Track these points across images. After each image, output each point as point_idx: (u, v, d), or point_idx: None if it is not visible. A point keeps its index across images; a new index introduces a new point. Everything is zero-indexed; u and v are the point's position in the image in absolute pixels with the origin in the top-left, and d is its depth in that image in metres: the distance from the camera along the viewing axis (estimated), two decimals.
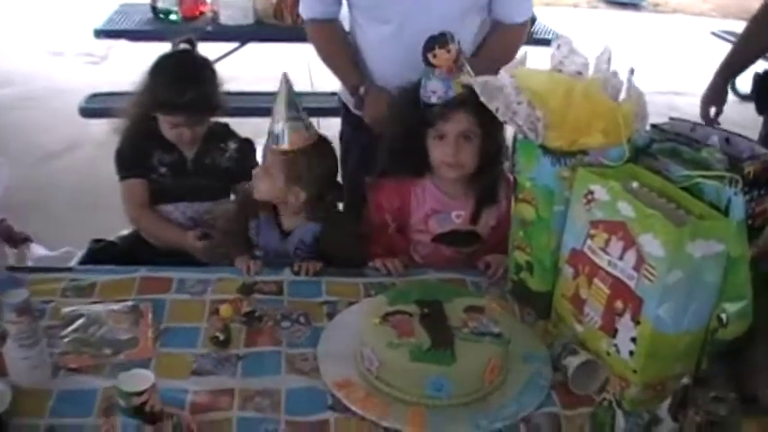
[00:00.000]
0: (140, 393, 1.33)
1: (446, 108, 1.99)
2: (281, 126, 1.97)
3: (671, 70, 7.16)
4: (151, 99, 2.28)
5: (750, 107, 3.23)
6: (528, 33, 2.54)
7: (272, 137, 1.99)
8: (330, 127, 2.62)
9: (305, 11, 2.51)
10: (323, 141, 2.07)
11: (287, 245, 2.14)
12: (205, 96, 2.29)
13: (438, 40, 1.96)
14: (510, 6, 2.37)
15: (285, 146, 1.97)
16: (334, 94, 2.75)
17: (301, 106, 1.99)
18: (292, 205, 2.08)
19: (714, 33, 6.96)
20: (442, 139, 2.02)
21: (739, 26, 8.05)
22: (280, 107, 1.96)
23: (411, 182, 2.14)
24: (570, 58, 1.76)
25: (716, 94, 3.08)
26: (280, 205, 2.13)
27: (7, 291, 1.51)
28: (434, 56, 1.96)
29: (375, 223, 2.17)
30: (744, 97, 6.44)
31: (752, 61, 3.09)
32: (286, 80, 1.98)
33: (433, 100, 1.99)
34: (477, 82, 1.82)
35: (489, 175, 2.06)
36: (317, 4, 2.46)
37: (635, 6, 10.50)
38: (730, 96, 6.24)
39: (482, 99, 1.80)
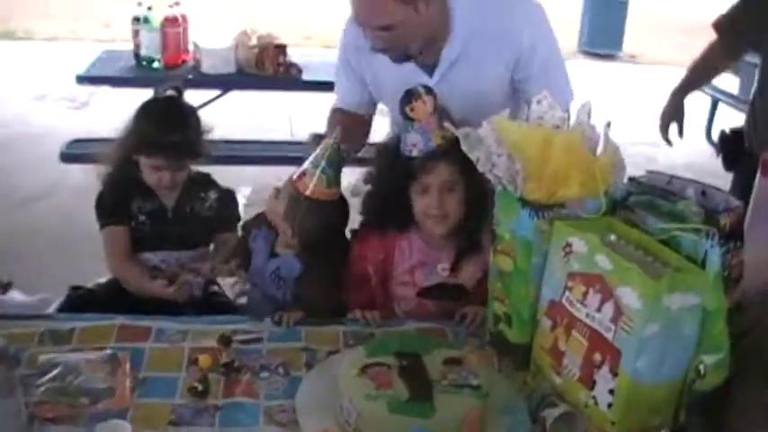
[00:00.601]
0: None
1: (427, 160, 1.99)
2: (312, 171, 2.01)
3: (648, 121, 7.18)
4: (135, 142, 2.30)
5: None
6: None
7: (302, 172, 2.03)
8: None
9: (336, 100, 2.62)
10: (335, 203, 2.08)
11: (268, 265, 2.17)
12: (189, 141, 2.31)
13: (414, 93, 1.98)
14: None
15: (301, 188, 2.02)
16: None
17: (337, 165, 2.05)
18: (285, 237, 2.12)
19: None
20: (425, 191, 2.02)
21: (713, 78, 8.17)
22: (320, 155, 2.01)
23: (396, 235, 2.14)
24: (550, 113, 1.79)
25: (675, 112, 3.35)
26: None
27: None
28: (412, 109, 1.98)
29: (357, 274, 2.17)
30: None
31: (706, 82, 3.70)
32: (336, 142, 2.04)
33: (414, 153, 2.00)
34: (460, 132, 1.85)
35: (474, 224, 2.03)
36: (348, 97, 2.57)
37: (612, 57, 10.67)
38: (706, 147, 6.34)
39: (463, 148, 1.82)
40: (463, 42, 2.32)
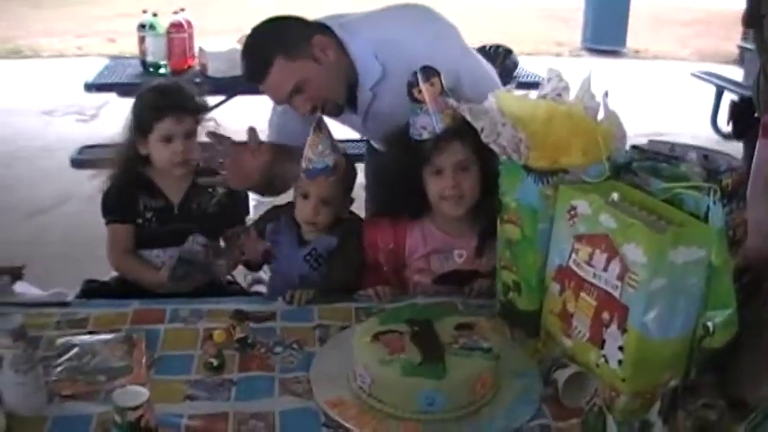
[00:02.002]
0: (136, 408, 1.34)
1: (439, 140, 1.99)
2: (332, 159, 2.07)
3: (653, 113, 7.27)
4: (137, 125, 2.36)
5: (732, 146, 3.30)
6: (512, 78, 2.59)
7: (318, 169, 2.08)
8: None
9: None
10: (348, 164, 2.19)
11: (299, 252, 2.21)
12: (189, 96, 2.41)
13: (422, 76, 1.98)
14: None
15: (332, 178, 2.09)
16: None
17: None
18: (320, 225, 2.18)
19: (693, 74, 7.08)
20: (439, 173, 2.02)
21: (717, 69, 8.28)
22: (327, 142, 2.07)
23: (408, 223, 2.15)
24: (555, 87, 1.81)
25: None
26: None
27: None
28: (419, 91, 1.98)
29: (369, 261, 2.19)
30: (726, 136, 6.56)
31: None
32: (322, 120, 2.09)
33: (425, 135, 2.00)
34: (464, 106, 1.87)
35: (491, 205, 1.96)
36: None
37: (616, 54, 10.68)
38: (712, 135, 6.33)
39: (468, 118, 1.84)
40: (372, 83, 2.30)
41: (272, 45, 2.20)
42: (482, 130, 1.81)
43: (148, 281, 2.31)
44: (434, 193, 2.04)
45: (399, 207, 2.14)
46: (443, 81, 2.00)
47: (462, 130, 1.95)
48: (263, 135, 2.35)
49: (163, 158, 2.36)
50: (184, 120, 2.35)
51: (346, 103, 2.35)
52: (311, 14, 2.40)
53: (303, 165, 2.11)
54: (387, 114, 2.25)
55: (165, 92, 2.41)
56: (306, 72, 2.20)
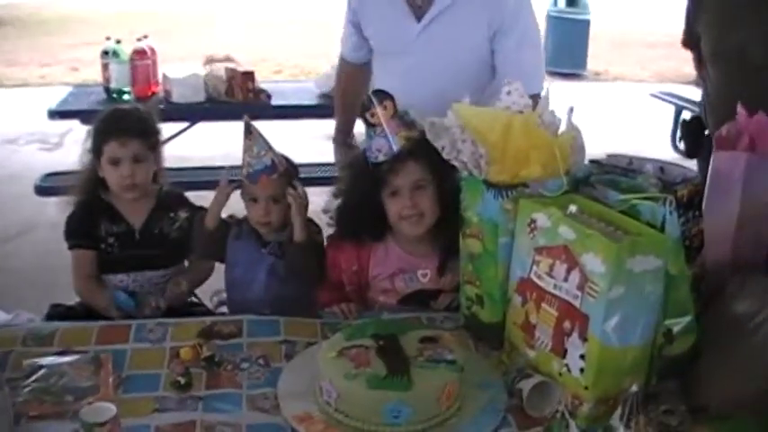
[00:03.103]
0: (103, 424, 1.35)
1: (395, 162, 2.02)
2: (269, 158, 2.14)
3: (614, 134, 7.37)
4: (91, 144, 2.38)
5: (693, 164, 3.36)
6: None
7: (259, 170, 2.14)
8: None
9: (341, 49, 2.93)
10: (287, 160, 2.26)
11: (263, 250, 2.26)
12: (140, 119, 2.44)
13: (373, 100, 2.02)
14: (517, 75, 2.22)
15: (275, 176, 2.15)
16: None
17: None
18: (275, 224, 2.22)
19: (653, 95, 7.21)
20: (396, 194, 2.05)
21: (676, 89, 8.39)
22: (260, 143, 2.13)
23: (371, 244, 2.17)
24: (516, 102, 1.85)
25: None
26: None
27: None
28: (372, 115, 2.02)
29: (331, 279, 2.21)
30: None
31: None
32: (249, 124, 2.13)
33: (380, 158, 2.04)
34: (425, 122, 1.90)
35: (452, 223, 2.00)
36: (348, 48, 2.87)
37: (578, 76, 10.83)
38: (674, 156, 6.44)
39: (428, 137, 1.87)
40: None
41: None
42: (443, 148, 1.85)
43: (106, 310, 2.30)
44: (393, 213, 2.07)
45: (361, 230, 2.15)
46: (396, 105, 2.04)
47: (417, 151, 2.00)
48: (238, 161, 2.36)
49: (112, 182, 2.38)
50: (129, 143, 2.36)
51: (417, 8, 2.55)
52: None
53: (243, 171, 2.16)
54: (447, 35, 2.52)
55: (114, 115, 2.45)
56: None
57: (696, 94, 8.74)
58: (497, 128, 1.77)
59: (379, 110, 2.01)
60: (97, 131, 2.39)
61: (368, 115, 2.02)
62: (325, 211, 2.25)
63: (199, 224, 2.27)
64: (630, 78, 11.02)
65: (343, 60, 2.94)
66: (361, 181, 2.10)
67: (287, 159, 2.25)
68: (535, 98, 2.53)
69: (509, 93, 1.88)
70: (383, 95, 2.03)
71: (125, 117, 2.43)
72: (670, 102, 6.95)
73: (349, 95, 2.94)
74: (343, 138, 3.00)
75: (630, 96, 9.38)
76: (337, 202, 2.17)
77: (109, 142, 2.34)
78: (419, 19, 2.54)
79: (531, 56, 2.62)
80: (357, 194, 2.13)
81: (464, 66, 2.57)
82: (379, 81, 2.67)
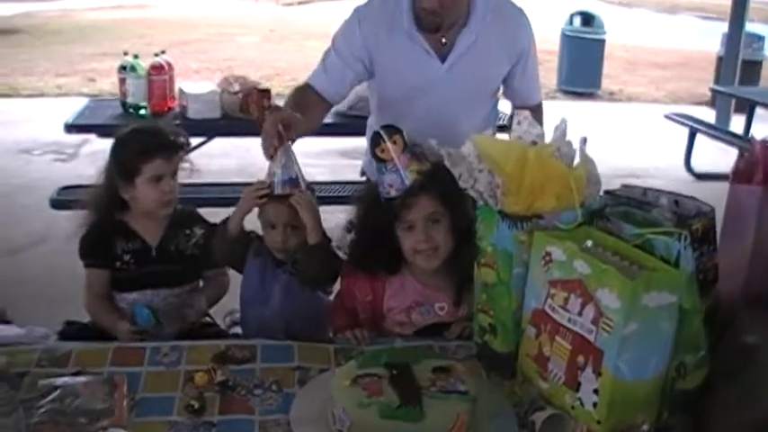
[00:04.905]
0: None
1: (407, 197, 2.02)
2: (295, 171, 2.13)
3: (628, 154, 7.39)
4: (123, 166, 2.37)
5: (706, 185, 3.36)
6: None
7: (285, 180, 2.13)
8: None
9: (310, 77, 2.67)
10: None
11: (279, 268, 2.27)
12: (174, 134, 2.45)
13: (383, 135, 2.03)
14: (525, 93, 2.78)
15: (297, 189, 2.14)
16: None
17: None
18: (292, 250, 2.22)
19: (667, 116, 7.23)
20: (411, 228, 2.05)
21: (690, 110, 8.42)
22: (289, 154, 2.13)
23: (387, 277, 2.16)
24: (529, 131, 1.86)
25: None
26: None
27: None
28: (382, 150, 2.03)
29: (345, 306, 2.22)
30: (699, 176, 6.69)
31: None
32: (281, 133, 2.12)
33: (392, 193, 2.03)
34: (443, 151, 1.91)
35: (467, 253, 1.99)
36: (329, 83, 2.62)
37: (591, 96, 10.84)
38: (687, 176, 6.47)
39: (447, 164, 1.88)
40: (476, 34, 2.57)
41: None
42: (459, 176, 1.86)
43: (114, 331, 2.30)
44: (408, 247, 2.07)
45: (376, 264, 2.15)
46: (406, 137, 2.05)
47: (429, 184, 2.00)
48: (252, 178, 2.36)
49: (152, 199, 2.38)
50: (173, 158, 2.39)
51: (439, 49, 2.57)
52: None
53: (268, 180, 2.15)
54: (471, 70, 2.58)
55: (151, 132, 2.45)
56: None
57: (710, 115, 8.81)
58: (513, 159, 1.78)
59: (389, 145, 2.01)
60: (136, 151, 2.37)
61: (378, 151, 2.03)
62: (337, 248, 2.25)
63: (222, 230, 2.28)
64: (645, 98, 11.04)
65: (310, 89, 2.63)
66: (375, 216, 2.10)
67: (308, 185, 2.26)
68: (539, 107, 2.78)
69: (519, 123, 1.88)
70: (392, 130, 2.03)
71: (161, 133, 2.44)
72: (684, 124, 6.96)
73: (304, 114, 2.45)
74: None
75: (645, 116, 9.39)
76: (350, 236, 2.17)
77: (153, 160, 2.35)
78: (443, 59, 2.57)
79: (536, 69, 2.82)
80: (371, 230, 2.12)
81: (484, 97, 2.70)
82: (392, 114, 2.53)
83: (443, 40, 2.56)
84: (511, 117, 2.34)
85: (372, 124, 2.80)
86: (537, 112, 2.73)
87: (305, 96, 2.59)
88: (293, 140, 2.19)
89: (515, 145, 1.83)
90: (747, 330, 1.78)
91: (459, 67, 2.58)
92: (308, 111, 2.48)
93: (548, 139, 1.88)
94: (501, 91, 2.83)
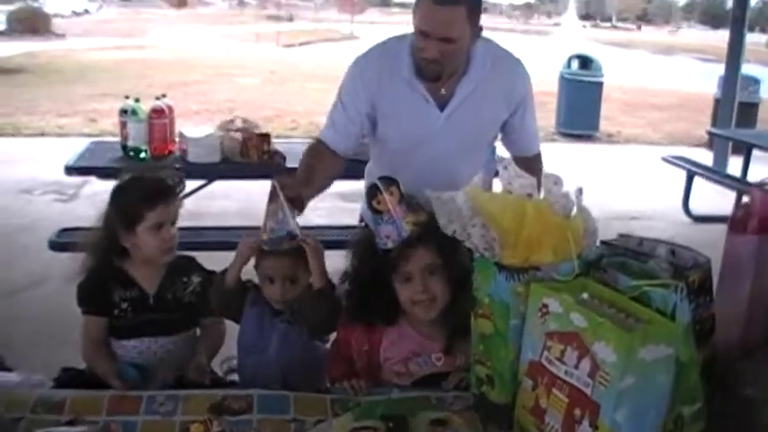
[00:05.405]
0: None
1: (404, 248, 2.02)
2: (292, 225, 2.12)
3: (627, 197, 7.42)
4: (124, 213, 2.37)
5: (704, 228, 3.36)
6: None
7: (282, 236, 2.13)
8: None
9: (321, 132, 2.71)
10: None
11: (276, 319, 2.27)
12: (173, 180, 2.46)
13: (379, 187, 2.03)
14: (524, 143, 2.83)
15: (294, 242, 2.13)
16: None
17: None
18: (291, 299, 2.22)
19: (664, 159, 7.27)
20: (408, 280, 2.05)
21: (688, 152, 8.46)
22: (285, 209, 2.12)
23: (384, 327, 2.16)
24: (517, 180, 1.88)
25: None
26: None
27: None
28: (378, 202, 2.03)
29: (341, 354, 2.21)
30: (697, 219, 6.72)
31: None
32: (276, 188, 2.13)
33: (389, 245, 2.04)
34: (433, 199, 1.92)
35: (463, 303, 1.99)
36: (340, 140, 2.65)
37: (590, 138, 10.91)
38: (685, 218, 6.48)
39: (439, 222, 1.89)
40: (476, 83, 2.59)
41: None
42: (454, 232, 1.87)
43: (105, 377, 2.29)
44: (406, 298, 2.07)
45: (373, 315, 2.14)
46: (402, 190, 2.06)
47: (426, 235, 2.00)
48: (252, 220, 2.38)
49: (153, 246, 2.38)
50: (172, 205, 2.41)
51: (438, 97, 2.59)
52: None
53: (264, 236, 2.14)
54: (469, 119, 2.61)
55: (151, 180, 2.45)
56: (462, 36, 2.43)
57: (707, 156, 8.85)
58: (510, 213, 1.79)
59: (386, 196, 2.02)
60: (137, 198, 2.38)
61: (374, 202, 2.03)
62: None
63: (219, 281, 2.28)
64: (643, 140, 11.12)
65: (322, 145, 2.66)
66: (371, 267, 2.10)
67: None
68: (537, 156, 2.83)
69: (505, 168, 1.89)
70: (389, 181, 2.04)
71: (161, 180, 2.45)
72: (681, 167, 7.00)
73: (317, 173, 2.57)
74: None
75: (643, 158, 9.44)
76: (344, 286, 2.17)
77: (154, 208, 2.36)
78: (442, 108, 2.59)
79: (534, 120, 2.84)
80: (367, 280, 2.11)
81: (481, 145, 2.74)
82: (392, 162, 2.62)
83: (443, 90, 2.58)
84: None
85: (371, 170, 2.82)
86: (536, 161, 2.82)
87: (317, 153, 2.64)
88: (301, 211, 2.23)
89: (512, 199, 1.84)
90: (745, 382, 1.79)
91: (457, 116, 2.60)
92: (323, 167, 2.58)
93: (537, 184, 1.89)
94: (499, 137, 2.86)
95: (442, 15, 2.38)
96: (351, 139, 2.68)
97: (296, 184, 2.31)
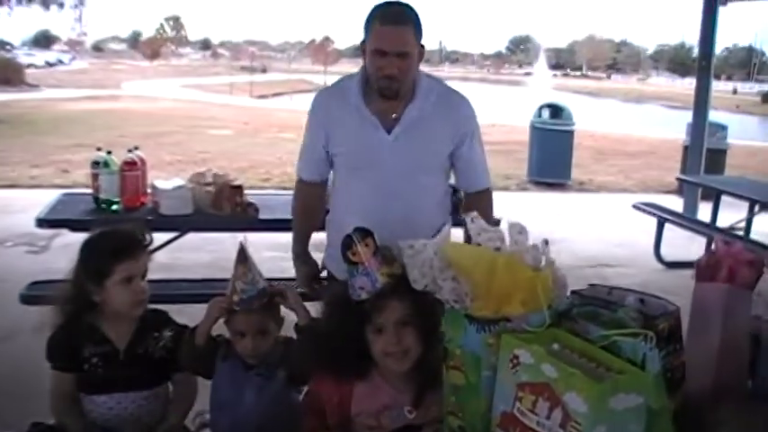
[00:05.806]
0: None
1: (378, 299, 2.01)
2: (262, 284, 2.19)
3: (599, 243, 7.48)
4: (94, 268, 2.36)
5: (675, 274, 3.39)
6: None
7: (253, 296, 2.18)
8: None
9: (298, 172, 3.13)
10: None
11: (250, 372, 2.28)
12: (142, 233, 2.48)
13: (354, 239, 2.02)
14: (473, 176, 3.06)
15: (265, 299, 2.20)
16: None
17: None
18: (263, 353, 2.25)
19: (635, 206, 7.34)
20: (381, 331, 2.04)
21: (658, 199, 8.56)
22: (254, 269, 2.18)
23: (355, 380, 2.13)
24: (484, 234, 1.89)
25: None
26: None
27: None
28: (353, 253, 2.01)
29: (313, 407, 2.18)
30: (668, 265, 6.77)
31: None
32: (245, 250, 2.17)
33: (363, 296, 2.02)
34: (404, 250, 1.94)
35: (434, 356, 1.98)
36: (310, 171, 3.08)
37: (562, 186, 11.01)
38: (657, 264, 6.53)
39: (410, 277, 1.91)
40: (420, 111, 2.85)
41: (412, 19, 2.77)
42: (426, 286, 1.88)
43: None
44: (378, 350, 2.05)
45: (344, 367, 2.11)
46: (378, 241, 2.06)
47: (400, 287, 1.99)
48: (224, 272, 2.40)
49: (124, 300, 2.37)
50: (140, 258, 2.41)
51: (386, 122, 2.83)
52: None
53: (235, 298, 2.18)
54: (414, 146, 2.84)
55: (119, 235, 2.45)
56: (413, 52, 2.76)
57: (678, 203, 8.93)
58: (482, 267, 1.80)
59: (360, 248, 2.01)
60: (106, 253, 2.38)
61: (349, 254, 2.02)
62: None
63: (189, 340, 2.27)
64: (614, 188, 11.24)
65: (302, 183, 3.14)
66: (344, 318, 2.08)
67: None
68: (488, 192, 3.07)
69: (472, 221, 1.91)
70: (364, 233, 2.03)
71: (128, 234, 2.46)
72: (652, 213, 7.08)
73: (309, 212, 3.18)
74: (303, 248, 3.22)
75: (614, 205, 9.54)
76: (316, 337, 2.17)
77: (123, 262, 2.35)
78: (389, 131, 2.82)
79: (481, 151, 3.06)
80: (340, 332, 2.09)
81: (430, 171, 2.94)
82: (348, 194, 2.94)
83: (393, 115, 2.82)
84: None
85: (331, 219, 3.09)
86: (485, 194, 3.11)
87: (305, 191, 3.12)
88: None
89: (483, 253, 1.85)
90: (717, 428, 1.79)
91: (404, 139, 2.84)
92: (317, 202, 3.15)
93: (503, 233, 1.90)
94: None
95: (395, 33, 2.71)
96: (321, 169, 3.05)
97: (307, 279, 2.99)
